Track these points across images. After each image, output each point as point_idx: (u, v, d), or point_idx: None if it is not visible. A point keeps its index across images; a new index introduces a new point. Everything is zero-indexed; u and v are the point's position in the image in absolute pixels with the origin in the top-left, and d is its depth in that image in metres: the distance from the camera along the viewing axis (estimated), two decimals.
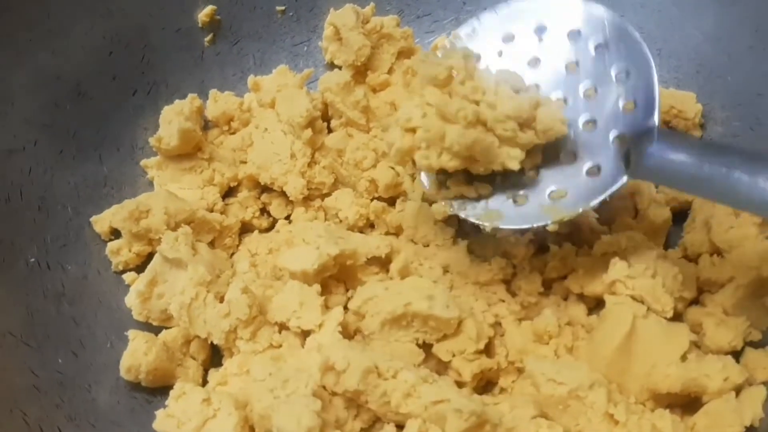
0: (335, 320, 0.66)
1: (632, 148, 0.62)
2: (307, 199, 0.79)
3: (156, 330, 0.70)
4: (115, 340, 0.70)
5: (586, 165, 0.64)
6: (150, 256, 0.74)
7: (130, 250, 0.74)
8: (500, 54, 0.69)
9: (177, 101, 0.82)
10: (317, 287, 0.68)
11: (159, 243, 0.72)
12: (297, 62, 0.90)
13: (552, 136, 0.63)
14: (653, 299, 0.64)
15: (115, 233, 0.76)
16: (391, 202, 0.78)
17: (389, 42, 0.87)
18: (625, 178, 0.62)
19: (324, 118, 0.82)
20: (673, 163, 0.59)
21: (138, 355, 0.66)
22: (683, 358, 0.61)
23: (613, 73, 0.65)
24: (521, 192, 0.65)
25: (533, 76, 0.67)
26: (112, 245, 0.74)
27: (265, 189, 0.81)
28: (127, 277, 0.74)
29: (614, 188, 0.62)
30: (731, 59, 0.77)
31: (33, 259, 0.70)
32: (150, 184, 0.81)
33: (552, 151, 0.65)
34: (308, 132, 0.78)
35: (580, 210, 0.63)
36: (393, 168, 0.77)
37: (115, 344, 0.69)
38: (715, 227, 0.70)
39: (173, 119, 0.79)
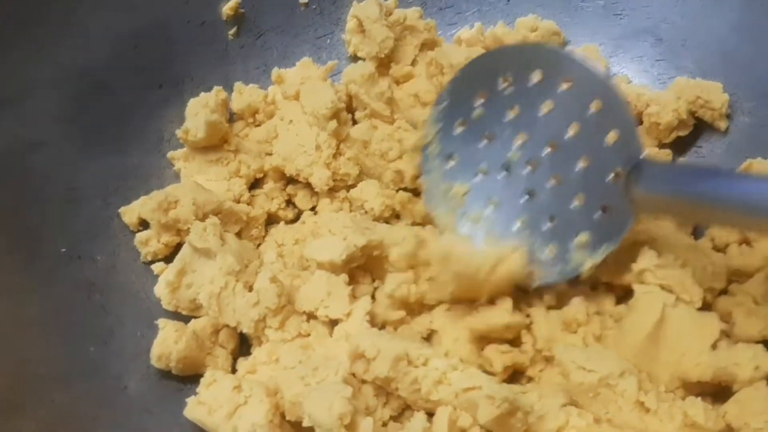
0: (363, 309, 0.66)
1: (630, 182, 0.62)
2: (332, 191, 0.79)
3: (185, 319, 0.71)
4: (144, 329, 0.70)
5: (596, 207, 0.65)
6: (178, 247, 0.74)
7: (158, 241, 0.75)
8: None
9: (202, 94, 0.83)
10: (344, 277, 0.68)
11: (187, 233, 0.72)
12: (320, 55, 0.90)
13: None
14: (682, 289, 0.64)
15: (143, 224, 0.76)
16: (417, 192, 0.78)
17: (412, 34, 0.87)
18: (632, 216, 0.63)
19: (348, 110, 0.82)
20: (670, 189, 0.60)
21: (169, 343, 0.67)
22: (713, 346, 0.61)
23: (590, 111, 0.65)
24: (547, 247, 0.67)
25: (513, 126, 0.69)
26: (140, 236, 0.75)
27: (291, 180, 0.81)
28: (156, 267, 0.75)
29: (629, 225, 0.64)
30: (758, 49, 0.77)
31: (63, 250, 0.71)
32: (176, 176, 0.81)
33: (562, 200, 0.67)
34: (333, 123, 0.78)
35: (609, 251, 0.65)
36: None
37: (144, 333, 0.70)
38: None
39: (199, 111, 0.80)
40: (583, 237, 0.66)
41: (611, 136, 0.64)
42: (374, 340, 0.60)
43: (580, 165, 0.66)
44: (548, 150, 0.68)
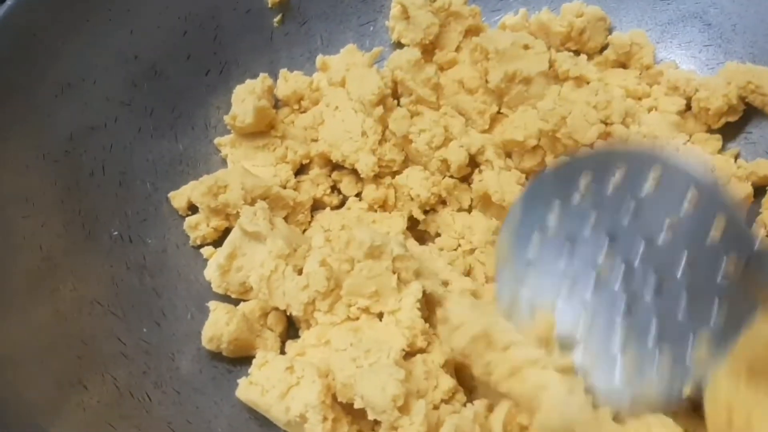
0: (414, 297, 0.66)
1: (749, 272, 0.57)
2: (377, 177, 0.79)
3: (234, 302, 0.72)
4: (194, 312, 0.71)
5: (710, 308, 0.58)
6: (226, 231, 0.75)
7: (207, 225, 0.76)
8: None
9: (248, 80, 0.84)
10: (391, 267, 0.67)
11: (236, 218, 0.73)
12: (363, 42, 0.91)
13: None
14: None
15: (192, 208, 0.77)
16: (463, 178, 0.78)
17: (457, 20, 0.87)
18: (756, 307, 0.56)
19: (393, 96, 0.82)
20: None
21: (220, 325, 0.68)
22: None
23: (684, 207, 0.60)
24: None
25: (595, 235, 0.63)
26: (190, 220, 0.76)
27: (336, 166, 0.82)
28: (205, 251, 0.76)
29: (753, 316, 0.56)
30: None
31: (116, 233, 0.72)
32: (223, 162, 0.82)
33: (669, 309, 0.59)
34: (379, 110, 0.78)
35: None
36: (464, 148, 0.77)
37: (194, 315, 0.71)
38: None
39: (246, 98, 0.81)
40: (703, 343, 0.58)
41: (717, 229, 0.58)
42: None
43: (683, 265, 0.59)
44: (641, 256, 0.61)
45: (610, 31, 0.87)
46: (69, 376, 0.60)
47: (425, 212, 0.79)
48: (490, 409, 0.59)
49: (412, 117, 0.79)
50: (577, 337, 0.61)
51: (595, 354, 0.60)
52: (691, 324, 0.58)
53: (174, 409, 0.64)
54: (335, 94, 0.82)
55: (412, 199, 0.78)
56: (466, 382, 0.64)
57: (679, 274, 0.59)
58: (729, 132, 0.79)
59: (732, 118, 0.78)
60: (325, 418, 0.60)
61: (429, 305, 0.68)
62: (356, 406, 0.59)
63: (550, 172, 0.67)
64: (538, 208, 0.65)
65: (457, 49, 0.87)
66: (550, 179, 0.66)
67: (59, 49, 0.72)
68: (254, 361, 0.64)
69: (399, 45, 0.88)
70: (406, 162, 0.80)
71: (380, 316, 0.67)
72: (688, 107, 0.79)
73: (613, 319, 0.60)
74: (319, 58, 0.88)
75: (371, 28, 0.91)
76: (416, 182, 0.78)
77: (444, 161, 0.78)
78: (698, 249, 0.58)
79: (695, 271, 0.59)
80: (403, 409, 0.57)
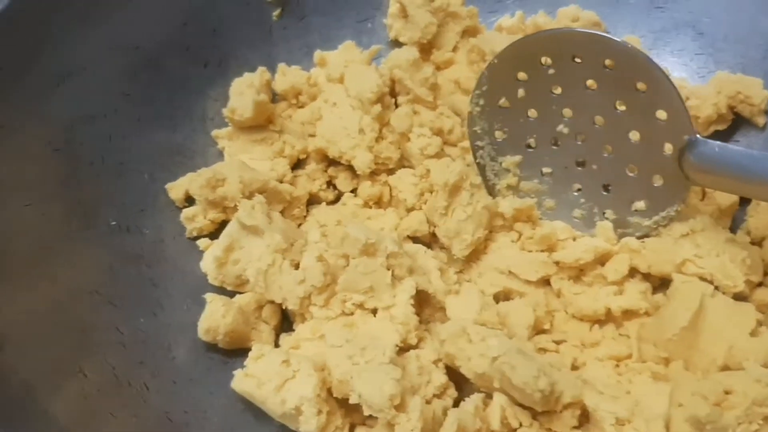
0: (408, 293, 0.67)
1: (683, 157, 0.67)
2: (373, 174, 0.80)
3: (229, 294, 0.72)
4: (190, 303, 0.72)
5: (651, 178, 0.70)
6: (222, 224, 0.76)
7: (204, 217, 0.76)
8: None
9: (246, 74, 0.84)
10: (384, 262, 0.68)
11: (233, 211, 0.74)
12: (361, 38, 0.91)
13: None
14: (723, 275, 0.65)
15: (189, 200, 0.78)
16: None
17: (454, 20, 0.88)
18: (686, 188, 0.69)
19: (391, 95, 0.83)
20: (722, 162, 0.64)
21: (216, 317, 0.68)
22: (753, 334, 0.62)
23: (636, 90, 0.68)
24: (607, 212, 0.73)
25: (557, 102, 0.72)
26: (187, 212, 0.77)
27: (332, 162, 0.82)
28: (201, 243, 0.76)
29: (683, 196, 0.69)
30: None
31: (114, 222, 0.73)
32: (220, 154, 0.83)
33: (617, 170, 0.71)
34: (377, 108, 0.79)
35: (665, 221, 0.71)
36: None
37: (190, 306, 0.72)
38: None
39: (244, 91, 0.81)
40: (639, 204, 0.71)
41: (661, 113, 0.67)
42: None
43: (632, 138, 0.69)
44: (597, 124, 0.71)
45: None
46: (69, 362, 0.61)
47: None
48: (486, 402, 0.61)
49: None
50: (540, 185, 0.76)
51: (557, 197, 0.75)
52: (634, 189, 0.71)
53: (171, 398, 0.65)
54: (333, 90, 0.83)
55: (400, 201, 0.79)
56: (456, 377, 0.66)
57: (627, 144, 0.70)
58: (717, 140, 0.79)
59: (721, 127, 0.80)
60: (319, 412, 0.61)
61: (421, 302, 0.70)
62: (351, 401, 0.61)
63: (514, 46, 0.73)
64: (503, 77, 0.74)
65: (455, 49, 0.88)
66: (515, 53, 0.73)
67: (60, 39, 0.72)
68: (250, 353, 0.65)
69: (396, 43, 0.89)
70: (402, 161, 0.81)
71: (374, 311, 0.68)
72: None
73: (570, 171, 0.74)
74: (317, 54, 0.89)
75: (369, 25, 0.92)
76: (406, 186, 0.78)
77: (429, 171, 0.78)
78: (645, 127, 0.68)
79: (641, 146, 0.69)
80: (400, 407, 0.59)
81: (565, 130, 0.73)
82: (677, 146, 0.67)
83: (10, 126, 0.66)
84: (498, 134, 0.77)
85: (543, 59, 0.71)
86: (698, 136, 0.67)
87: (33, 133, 0.69)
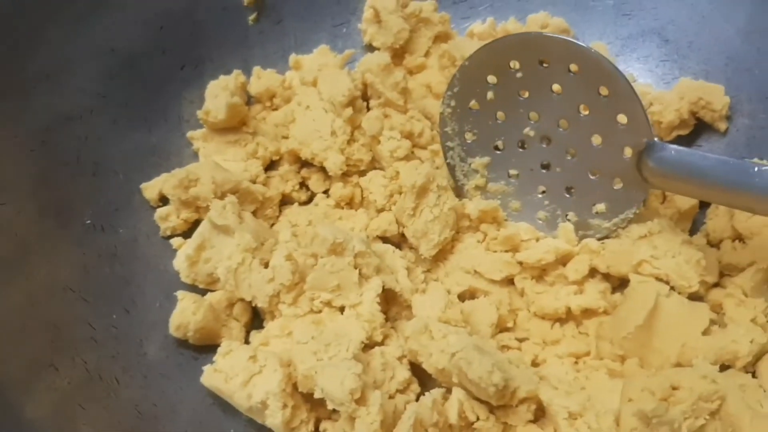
0: (374, 292, 0.69)
1: (642, 160, 0.69)
2: (344, 175, 0.82)
3: (201, 292, 0.74)
4: (162, 300, 0.74)
5: (611, 182, 0.72)
6: (196, 223, 0.78)
7: (177, 217, 0.78)
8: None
9: (222, 77, 0.86)
10: (352, 261, 0.70)
11: (205, 211, 0.76)
12: (336, 42, 0.93)
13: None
14: (679, 276, 0.68)
15: (163, 200, 0.79)
16: None
17: (427, 26, 0.90)
18: (645, 191, 0.70)
19: (363, 98, 0.85)
20: (679, 166, 0.67)
21: (187, 314, 0.70)
22: (706, 332, 0.65)
23: (599, 94, 0.70)
24: (569, 214, 0.75)
25: (525, 106, 0.74)
26: (160, 211, 0.78)
27: (305, 164, 0.84)
28: (174, 241, 0.78)
29: (642, 198, 0.71)
30: (760, 53, 0.80)
31: (89, 221, 0.74)
32: (194, 156, 0.84)
33: (579, 173, 0.74)
34: (349, 111, 0.81)
35: (624, 222, 0.73)
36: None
37: (162, 303, 0.73)
38: (737, 214, 0.73)
39: (219, 94, 0.83)
40: (600, 207, 0.73)
41: (621, 118, 0.69)
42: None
43: (594, 142, 0.72)
44: (561, 128, 0.73)
45: None
46: (41, 357, 0.62)
47: None
48: (446, 397, 0.63)
49: None
50: (507, 186, 0.78)
51: (522, 198, 0.77)
52: (595, 192, 0.73)
53: (141, 392, 0.66)
54: (307, 93, 0.85)
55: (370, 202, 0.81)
56: (419, 373, 0.68)
57: (589, 148, 0.72)
58: (680, 144, 0.81)
59: (683, 132, 0.83)
60: (285, 406, 0.63)
61: (389, 300, 0.72)
62: (316, 396, 0.62)
63: (485, 49, 0.75)
64: (474, 79, 0.76)
65: (426, 54, 0.90)
66: (485, 56, 0.75)
67: (38, 40, 0.74)
68: (219, 349, 0.67)
69: (371, 47, 0.91)
70: (373, 163, 0.83)
71: (342, 309, 0.70)
72: None
73: (535, 174, 0.76)
74: (293, 57, 0.90)
75: (344, 30, 0.94)
76: (376, 188, 0.80)
77: (398, 173, 0.80)
78: (607, 131, 0.71)
79: (602, 150, 0.71)
80: (360, 401, 0.61)
81: (531, 133, 0.75)
82: (636, 150, 0.69)
83: None
84: (468, 135, 0.79)
85: (512, 63, 0.74)
86: (656, 140, 0.69)
87: (10, 133, 0.70)
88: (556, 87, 0.72)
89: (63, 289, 0.68)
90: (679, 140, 0.82)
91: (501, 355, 0.65)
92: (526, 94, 0.74)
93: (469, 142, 0.79)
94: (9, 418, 0.56)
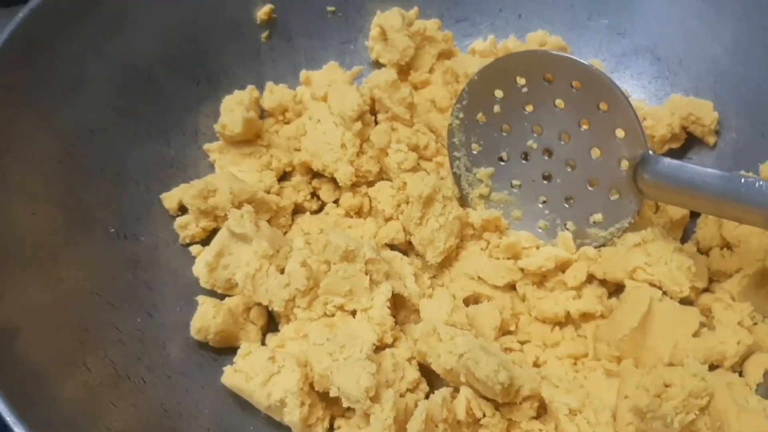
0: (384, 296, 0.73)
1: (637, 172, 0.73)
2: (354, 186, 0.86)
3: (219, 297, 0.78)
4: (183, 305, 0.77)
5: (608, 193, 0.76)
6: (213, 231, 0.81)
7: (196, 225, 0.82)
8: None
9: (236, 91, 0.90)
10: (363, 267, 0.74)
11: (223, 219, 0.79)
12: (344, 59, 0.97)
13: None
14: (671, 281, 0.72)
15: (182, 209, 0.83)
16: None
17: (431, 44, 0.95)
18: (639, 202, 0.75)
19: (371, 112, 0.89)
20: (672, 178, 0.71)
21: (207, 318, 0.74)
22: (695, 335, 0.69)
23: (598, 109, 0.74)
24: (567, 223, 0.80)
25: (529, 119, 0.79)
26: (180, 220, 0.82)
27: (316, 175, 0.88)
28: (193, 249, 0.82)
29: (636, 208, 0.75)
30: (747, 71, 0.84)
31: (113, 230, 0.78)
32: (211, 167, 0.88)
33: (578, 184, 0.78)
34: (358, 125, 0.85)
35: (620, 231, 0.77)
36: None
37: (182, 308, 0.77)
38: (725, 224, 0.77)
39: (234, 108, 0.87)
40: (597, 217, 0.78)
41: (619, 132, 0.74)
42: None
43: (593, 155, 0.76)
44: (562, 141, 0.77)
45: None
46: (74, 357, 0.65)
47: None
48: (454, 395, 0.67)
49: None
50: (509, 195, 0.82)
51: (524, 207, 0.82)
52: (593, 202, 0.78)
53: (166, 391, 0.70)
54: (318, 107, 0.89)
55: (378, 211, 0.85)
56: (427, 374, 0.72)
57: (588, 161, 0.77)
58: (671, 157, 0.85)
59: (675, 145, 0.87)
60: (302, 404, 0.67)
61: (397, 304, 0.76)
62: (332, 395, 0.66)
63: (493, 65, 0.80)
64: (481, 93, 0.80)
65: (431, 70, 0.94)
66: (491, 72, 0.80)
67: (64, 58, 0.77)
68: (239, 351, 0.71)
69: (377, 64, 0.95)
70: (381, 174, 0.87)
71: (353, 313, 0.74)
72: None
73: (537, 184, 0.80)
74: (303, 73, 0.95)
75: (351, 47, 0.98)
76: (384, 197, 0.84)
77: (405, 184, 0.84)
78: (605, 145, 0.75)
79: (600, 162, 0.76)
80: (375, 398, 0.64)
81: (534, 146, 0.80)
82: (632, 163, 0.74)
83: (20, 140, 0.71)
84: (474, 146, 0.83)
85: (518, 78, 0.78)
86: (651, 153, 0.73)
87: (39, 147, 0.74)
88: (559, 102, 0.76)
89: (91, 293, 0.72)
90: (670, 153, 0.87)
91: (505, 356, 0.69)
92: (531, 109, 0.78)
93: (474, 152, 0.83)
94: (49, 414, 0.59)
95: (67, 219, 0.74)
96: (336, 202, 0.88)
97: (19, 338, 0.62)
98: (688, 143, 0.88)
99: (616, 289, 0.78)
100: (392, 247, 0.83)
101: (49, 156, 0.75)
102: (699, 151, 0.88)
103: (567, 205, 0.79)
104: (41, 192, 0.73)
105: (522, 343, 0.77)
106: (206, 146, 0.89)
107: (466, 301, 0.78)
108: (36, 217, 0.71)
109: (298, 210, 0.88)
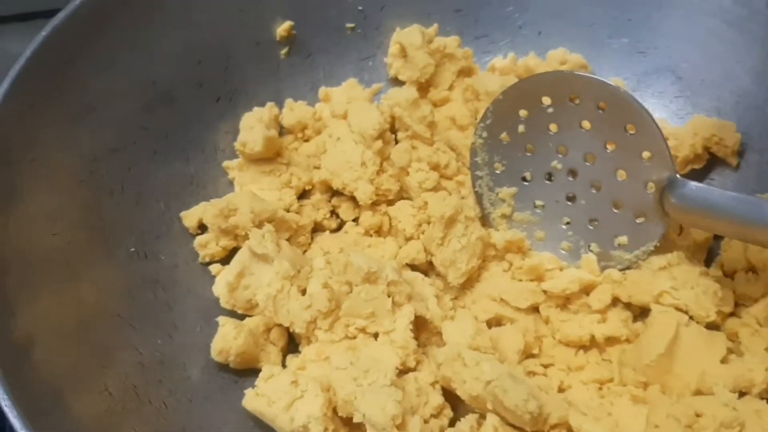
0: (407, 319, 0.72)
1: (664, 195, 0.72)
2: (374, 205, 0.85)
3: (239, 317, 0.77)
4: (203, 325, 0.76)
5: (633, 215, 0.76)
6: (233, 250, 0.81)
7: (216, 244, 0.81)
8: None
9: (256, 108, 0.89)
10: (386, 289, 0.73)
11: (243, 239, 0.79)
12: (363, 76, 0.97)
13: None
14: (697, 306, 0.71)
15: (201, 228, 0.83)
16: None
17: (451, 61, 0.94)
18: (665, 225, 0.75)
19: (391, 130, 0.89)
20: (699, 202, 0.70)
21: (228, 339, 0.73)
22: (723, 361, 0.68)
23: (625, 131, 0.74)
24: (591, 245, 0.79)
25: (554, 140, 0.78)
26: (200, 239, 0.81)
27: (336, 193, 0.88)
28: (213, 268, 0.81)
29: (662, 231, 0.75)
30: None
31: (133, 249, 0.77)
32: (230, 184, 0.88)
33: (603, 206, 0.78)
34: (378, 143, 0.84)
35: (645, 254, 0.76)
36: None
37: (203, 328, 0.76)
38: (751, 247, 0.76)
39: (254, 125, 0.86)
40: (622, 239, 0.77)
41: (646, 154, 0.73)
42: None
43: (619, 177, 0.75)
44: (588, 162, 0.77)
45: None
46: (95, 380, 0.65)
47: None
48: (480, 423, 0.66)
49: None
50: (532, 216, 0.82)
51: (547, 228, 0.81)
52: (618, 225, 0.77)
53: (188, 416, 0.69)
54: (337, 125, 0.88)
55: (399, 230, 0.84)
56: (450, 398, 0.71)
57: (613, 182, 0.76)
58: (694, 178, 0.84)
59: (697, 166, 0.86)
60: (325, 429, 0.66)
61: (419, 326, 0.75)
62: (355, 420, 0.65)
63: (519, 85, 0.80)
64: (506, 113, 0.80)
65: (451, 87, 0.94)
66: (518, 91, 0.79)
67: (85, 78, 0.76)
68: (261, 374, 0.70)
69: (396, 80, 0.95)
70: (401, 192, 0.86)
71: (376, 335, 0.73)
72: None
73: (560, 205, 0.80)
74: (322, 90, 0.94)
75: (370, 63, 0.97)
76: (404, 217, 0.83)
77: (427, 203, 0.84)
78: (631, 167, 0.75)
79: (626, 184, 0.76)
80: (401, 426, 0.64)
81: (559, 166, 0.79)
82: (659, 186, 0.73)
83: (41, 159, 0.71)
84: (497, 166, 0.82)
85: (543, 99, 0.78)
86: (678, 176, 0.73)
87: (60, 166, 0.73)
88: (585, 123, 0.76)
89: (111, 315, 0.71)
90: (692, 174, 0.86)
91: (531, 381, 0.68)
92: (556, 129, 0.78)
93: (497, 172, 0.82)
94: None
95: (88, 239, 0.74)
96: (355, 220, 0.87)
97: (37, 353, 0.61)
98: (710, 164, 0.87)
99: (641, 312, 0.77)
100: (413, 267, 0.82)
101: (70, 175, 0.74)
102: (721, 171, 0.87)
103: (591, 227, 0.79)
104: (63, 212, 0.72)
105: (545, 366, 0.76)
106: (225, 164, 0.88)
107: (489, 323, 0.77)
108: (57, 239, 0.71)
109: (317, 228, 0.87)
